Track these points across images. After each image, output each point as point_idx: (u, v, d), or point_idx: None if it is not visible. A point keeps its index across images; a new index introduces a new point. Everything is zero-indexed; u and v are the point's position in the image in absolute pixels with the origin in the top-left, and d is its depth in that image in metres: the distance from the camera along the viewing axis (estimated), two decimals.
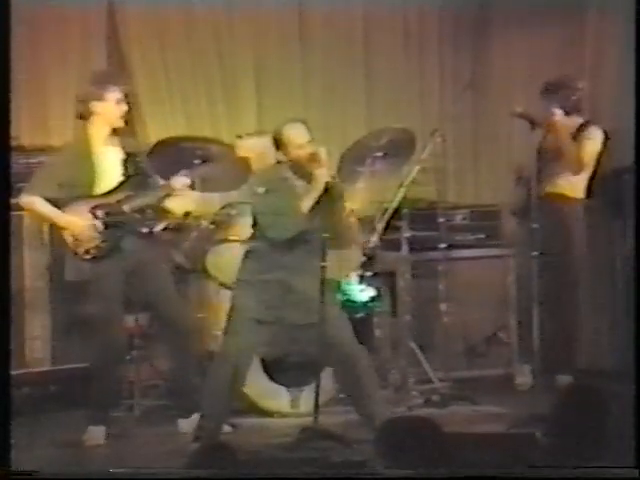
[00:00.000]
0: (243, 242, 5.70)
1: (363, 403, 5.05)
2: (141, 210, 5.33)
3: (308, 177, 5.01)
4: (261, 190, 5.02)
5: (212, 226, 5.93)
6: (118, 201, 5.30)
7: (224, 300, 5.80)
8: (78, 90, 5.48)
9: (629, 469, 3.10)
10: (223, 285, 5.84)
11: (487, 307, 6.47)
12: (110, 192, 5.32)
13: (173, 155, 5.65)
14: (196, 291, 5.95)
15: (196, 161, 5.67)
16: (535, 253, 5.52)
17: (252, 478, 3.37)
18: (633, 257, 4.75)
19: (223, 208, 5.92)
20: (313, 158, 4.96)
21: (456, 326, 6.23)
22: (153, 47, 6.81)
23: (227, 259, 5.77)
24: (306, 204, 4.94)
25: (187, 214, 5.94)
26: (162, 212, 5.57)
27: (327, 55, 7.16)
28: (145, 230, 5.34)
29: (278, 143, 5.07)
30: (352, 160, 6.00)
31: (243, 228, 5.72)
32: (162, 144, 5.81)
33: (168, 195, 5.34)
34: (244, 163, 5.90)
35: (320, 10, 7.13)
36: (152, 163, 5.53)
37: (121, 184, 5.33)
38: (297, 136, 5.05)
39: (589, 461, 2.98)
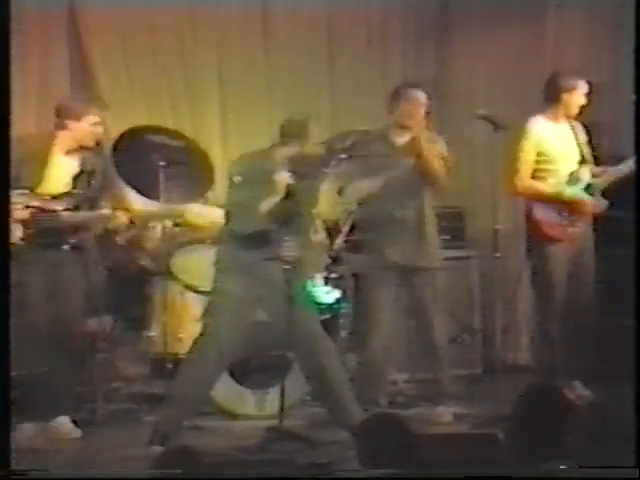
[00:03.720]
0: (208, 244, 5.70)
1: (333, 401, 5.05)
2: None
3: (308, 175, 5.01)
4: (237, 179, 4.98)
5: (176, 228, 5.91)
6: (54, 210, 5.28)
7: (190, 303, 5.80)
8: (59, 102, 5.49)
9: (629, 469, 3.12)
10: (188, 288, 5.83)
11: (451, 308, 6.49)
12: (54, 197, 5.30)
13: (137, 152, 5.67)
14: (161, 294, 5.92)
15: (162, 162, 5.68)
16: (498, 254, 5.57)
17: (217, 479, 3.37)
18: (633, 257, 4.79)
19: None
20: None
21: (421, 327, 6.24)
22: (115, 47, 6.77)
23: (193, 261, 5.76)
24: (265, 205, 4.89)
25: (152, 216, 5.93)
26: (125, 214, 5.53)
27: (291, 54, 7.16)
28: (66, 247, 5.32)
29: (294, 133, 5.05)
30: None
31: (208, 229, 5.72)
32: (126, 139, 5.82)
33: (109, 219, 5.32)
34: (209, 168, 5.91)
35: (283, 9, 7.13)
36: (116, 159, 5.54)
37: (66, 194, 5.33)
38: (315, 132, 5.10)
39: (549, 460, 3.01)
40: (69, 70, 6.63)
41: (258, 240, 4.94)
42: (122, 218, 5.40)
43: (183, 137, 6.00)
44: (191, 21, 6.96)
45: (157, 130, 5.94)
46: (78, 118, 5.36)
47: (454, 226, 6.69)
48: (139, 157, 5.75)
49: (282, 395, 4.96)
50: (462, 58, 7.35)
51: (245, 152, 5.24)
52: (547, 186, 5.66)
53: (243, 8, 7.01)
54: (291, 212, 4.96)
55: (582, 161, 5.78)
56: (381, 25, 7.40)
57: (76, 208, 5.32)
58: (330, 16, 7.27)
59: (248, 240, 4.95)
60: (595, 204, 5.70)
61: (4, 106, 4.18)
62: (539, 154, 5.68)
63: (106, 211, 5.35)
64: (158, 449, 4.67)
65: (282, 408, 4.94)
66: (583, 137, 5.81)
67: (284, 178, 4.93)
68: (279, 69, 7.15)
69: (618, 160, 5.82)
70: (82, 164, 5.40)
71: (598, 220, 5.79)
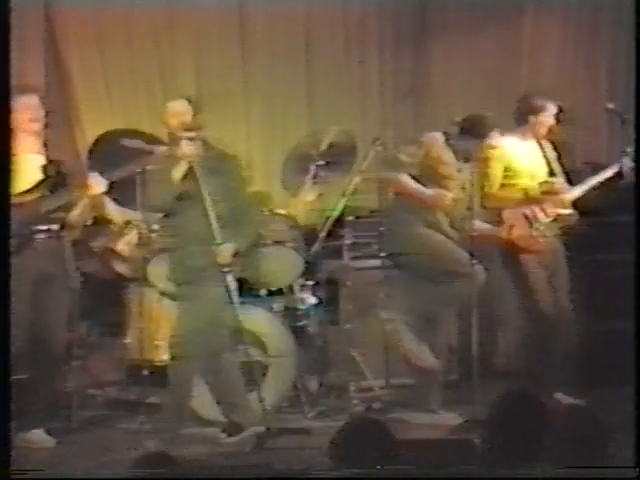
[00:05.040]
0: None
1: (229, 407, 5.19)
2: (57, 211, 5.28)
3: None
4: (151, 168, 5.27)
5: (152, 234, 5.88)
6: (31, 201, 5.24)
7: (166, 309, 5.77)
8: None
9: (629, 469, 3.13)
10: (164, 294, 5.80)
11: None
12: (25, 192, 5.25)
13: (113, 155, 5.64)
14: (137, 300, 5.89)
15: (138, 170, 5.65)
16: (474, 261, 5.58)
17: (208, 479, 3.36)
18: (633, 258, 4.80)
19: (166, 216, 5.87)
20: (187, 126, 5.19)
21: (397, 333, 6.24)
22: (91, 49, 6.75)
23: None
24: (176, 173, 5.17)
25: (128, 222, 5.91)
26: (103, 222, 5.51)
27: (268, 57, 7.16)
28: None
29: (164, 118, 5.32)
30: (294, 168, 6.01)
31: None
32: (101, 142, 5.80)
33: (84, 195, 5.29)
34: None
35: (261, 11, 7.13)
36: (92, 161, 5.52)
37: (37, 185, 5.28)
38: (176, 107, 5.30)
39: (526, 465, 3.02)
40: (44, 72, 6.60)
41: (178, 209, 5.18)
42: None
43: (159, 141, 5.97)
44: (168, 24, 6.95)
45: (133, 134, 5.90)
46: (15, 108, 5.17)
47: None
48: (114, 162, 5.71)
49: (261, 401, 4.95)
50: (440, 61, 7.37)
51: None
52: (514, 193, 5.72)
53: (220, 12, 7.01)
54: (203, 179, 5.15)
55: (551, 176, 5.83)
56: (359, 28, 7.41)
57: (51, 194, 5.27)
58: (307, 19, 7.27)
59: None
60: (565, 187, 5.73)
61: (3, 106, 4.13)
62: (506, 169, 5.75)
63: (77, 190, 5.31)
64: (136, 455, 4.64)
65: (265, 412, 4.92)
66: (552, 154, 5.85)
67: (186, 143, 5.16)
68: (257, 73, 7.15)
69: (595, 168, 5.88)
70: (48, 155, 5.34)
71: (570, 228, 5.84)
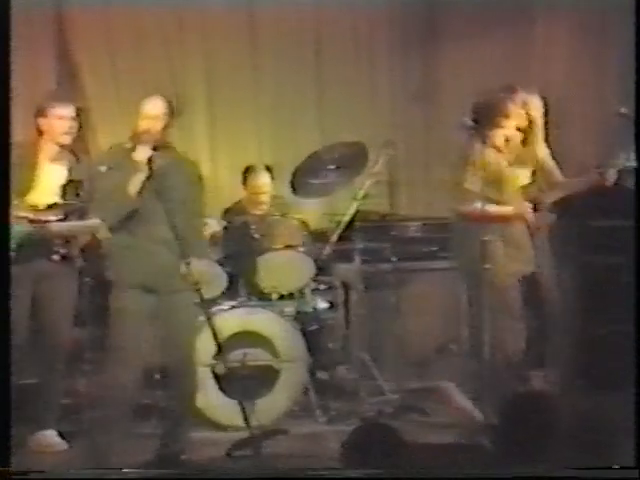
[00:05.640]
0: None
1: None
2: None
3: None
4: (103, 168, 4.87)
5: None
6: (44, 221, 5.26)
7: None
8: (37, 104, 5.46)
9: (629, 469, 3.13)
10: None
11: (439, 319, 6.50)
12: (42, 210, 5.28)
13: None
14: None
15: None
16: (487, 265, 5.57)
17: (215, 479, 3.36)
18: (633, 259, 4.80)
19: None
20: (154, 135, 4.79)
21: (408, 337, 6.26)
22: (102, 55, 6.77)
23: None
24: (132, 186, 4.75)
25: None
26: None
27: (278, 63, 7.17)
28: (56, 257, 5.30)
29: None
30: (305, 173, 6.02)
31: None
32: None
33: (96, 229, 5.28)
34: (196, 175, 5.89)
35: (270, 17, 7.14)
36: None
37: (55, 205, 5.31)
38: (149, 108, 4.88)
39: (534, 465, 3.02)
40: (55, 77, 6.63)
41: (133, 224, 4.82)
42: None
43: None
44: (179, 31, 6.97)
45: None
46: (44, 114, 5.28)
47: (441, 237, 6.70)
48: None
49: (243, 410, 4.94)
50: (450, 64, 7.37)
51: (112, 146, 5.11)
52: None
53: (230, 14, 7.02)
54: (161, 190, 4.75)
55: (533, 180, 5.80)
56: (368, 32, 7.41)
57: (65, 218, 5.31)
58: (317, 23, 7.28)
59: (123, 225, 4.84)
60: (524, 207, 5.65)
61: (4, 110, 4.15)
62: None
63: (93, 221, 5.34)
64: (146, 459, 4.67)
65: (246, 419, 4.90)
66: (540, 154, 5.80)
67: (141, 154, 4.77)
68: (266, 76, 7.16)
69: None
70: (69, 173, 5.38)
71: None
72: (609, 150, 6.74)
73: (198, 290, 4.67)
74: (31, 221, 5.23)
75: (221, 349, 4.67)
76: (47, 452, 5.30)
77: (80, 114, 5.38)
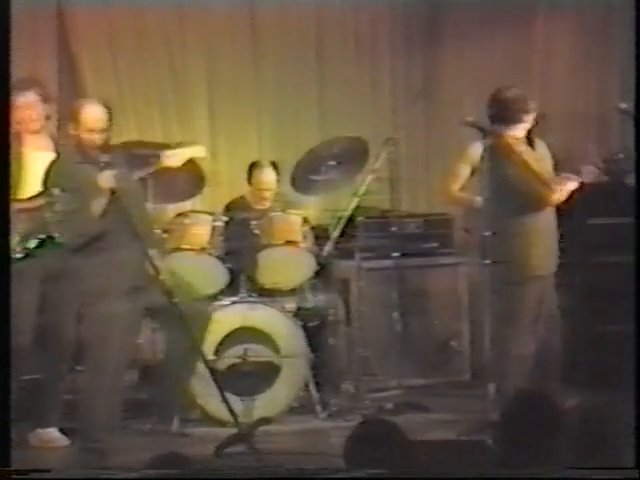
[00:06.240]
0: (197, 251, 5.70)
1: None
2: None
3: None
4: (56, 192, 4.74)
5: (165, 235, 5.89)
6: (39, 206, 5.15)
7: None
8: None
9: (629, 469, 3.13)
10: None
11: (439, 315, 6.51)
12: (32, 197, 5.21)
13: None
14: None
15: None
16: (487, 261, 5.56)
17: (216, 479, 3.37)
18: (634, 260, 4.81)
19: (178, 216, 5.88)
20: (102, 147, 4.66)
21: (409, 334, 6.26)
22: (104, 52, 6.78)
23: (182, 268, 5.74)
24: (95, 207, 4.62)
25: None
26: None
27: (279, 63, 7.18)
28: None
29: (72, 119, 4.72)
30: (306, 169, 6.03)
31: (197, 237, 5.72)
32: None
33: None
34: (197, 170, 5.90)
35: (272, 16, 7.15)
36: None
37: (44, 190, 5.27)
38: (92, 118, 4.72)
39: (536, 465, 3.03)
40: (57, 75, 6.63)
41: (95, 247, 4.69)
42: None
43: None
44: (180, 29, 6.97)
45: (143, 145, 5.87)
46: (15, 104, 5.10)
47: (442, 233, 6.71)
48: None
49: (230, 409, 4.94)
50: (451, 63, 7.37)
51: (57, 161, 4.95)
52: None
53: (231, 13, 7.03)
54: (125, 212, 4.63)
55: None
56: (370, 30, 7.41)
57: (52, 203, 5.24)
58: (319, 22, 7.28)
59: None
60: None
61: (4, 109, 4.15)
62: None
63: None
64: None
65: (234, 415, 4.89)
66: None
67: (106, 177, 4.65)
68: (268, 77, 7.16)
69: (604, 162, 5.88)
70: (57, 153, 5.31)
71: None
72: (609, 147, 6.78)
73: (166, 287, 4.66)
74: (25, 210, 5.19)
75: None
76: (48, 448, 5.31)
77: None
